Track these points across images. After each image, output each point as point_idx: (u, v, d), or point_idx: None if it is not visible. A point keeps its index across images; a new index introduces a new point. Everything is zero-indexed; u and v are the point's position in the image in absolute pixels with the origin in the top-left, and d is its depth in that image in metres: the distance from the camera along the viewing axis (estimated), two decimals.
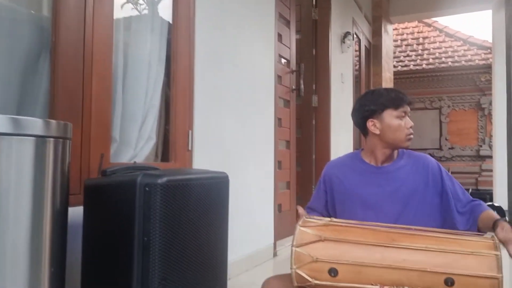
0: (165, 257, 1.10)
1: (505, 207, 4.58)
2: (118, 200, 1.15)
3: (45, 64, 1.48)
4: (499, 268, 1.42)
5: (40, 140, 0.95)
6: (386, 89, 1.95)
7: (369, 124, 1.88)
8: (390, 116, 1.84)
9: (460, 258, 1.48)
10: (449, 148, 8.95)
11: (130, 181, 1.13)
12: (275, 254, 3.05)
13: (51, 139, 0.98)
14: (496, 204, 4.57)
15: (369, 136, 1.93)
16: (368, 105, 1.86)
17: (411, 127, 1.86)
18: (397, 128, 1.85)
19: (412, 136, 1.88)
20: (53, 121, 0.99)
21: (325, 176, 2.06)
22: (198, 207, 1.22)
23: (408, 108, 1.87)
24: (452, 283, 1.45)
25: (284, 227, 3.27)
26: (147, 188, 1.10)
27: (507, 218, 4.38)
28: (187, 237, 1.17)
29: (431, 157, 1.95)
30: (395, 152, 1.94)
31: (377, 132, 1.86)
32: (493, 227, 1.56)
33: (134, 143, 1.81)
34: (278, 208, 3.29)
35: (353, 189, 1.93)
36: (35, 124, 0.94)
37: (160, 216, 1.09)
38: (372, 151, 1.93)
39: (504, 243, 1.50)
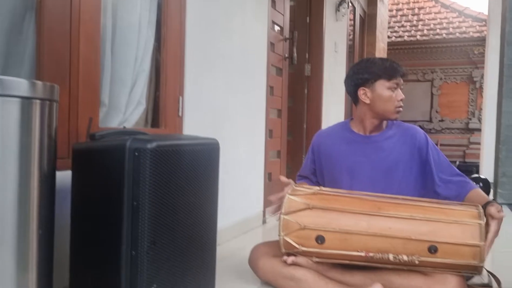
0: (154, 221, 1.10)
1: (490, 179, 4.67)
2: (107, 164, 1.14)
3: (30, 24, 1.43)
4: (482, 237, 1.47)
5: (26, 101, 0.93)
6: (381, 59, 1.93)
7: (360, 92, 1.87)
8: (382, 87, 1.84)
9: (444, 226, 1.52)
10: (439, 121, 9.02)
11: (119, 145, 1.12)
12: (264, 222, 3.09)
13: (37, 100, 0.95)
14: (482, 176, 4.65)
15: (359, 105, 1.93)
16: (362, 73, 1.85)
17: (401, 99, 1.86)
18: (387, 99, 1.84)
19: (401, 108, 1.89)
20: (39, 82, 0.97)
21: (314, 145, 2.08)
22: (188, 173, 1.22)
23: (401, 80, 1.86)
24: (436, 250, 1.49)
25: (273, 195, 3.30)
26: (136, 153, 1.09)
27: (491, 190, 4.48)
28: (177, 202, 1.17)
29: (419, 129, 1.97)
30: (384, 122, 1.95)
31: (367, 101, 1.86)
32: (485, 205, 1.59)
33: (123, 108, 1.79)
34: (268, 176, 3.31)
35: (340, 157, 1.95)
36: (20, 85, 0.92)
37: (150, 181, 1.09)
38: (361, 120, 1.94)
39: (491, 216, 1.53)
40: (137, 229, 1.09)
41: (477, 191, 1.79)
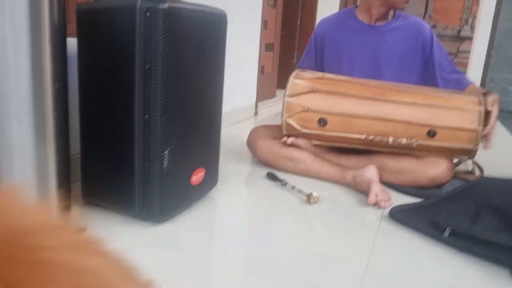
0: (166, 86, 1.08)
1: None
2: (115, 26, 1.08)
3: None
4: (480, 122, 1.52)
5: None
6: None
7: None
8: None
9: (445, 112, 1.56)
10: (431, 27, 8.82)
11: (129, 5, 1.05)
12: (256, 113, 3.12)
13: None
14: None
15: None
16: None
17: None
18: None
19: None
20: None
21: (317, 34, 2.02)
22: (198, 40, 1.17)
23: None
24: (434, 134, 1.55)
25: (265, 89, 3.29)
26: (148, 13, 1.03)
27: None
28: (187, 69, 1.15)
29: (426, 24, 1.92)
30: (391, 12, 1.89)
31: None
32: (483, 94, 1.62)
33: None
34: (261, 69, 3.27)
35: (343, 46, 1.92)
36: None
37: (162, 44, 1.05)
38: (368, 8, 1.87)
39: (491, 103, 1.57)
40: (150, 93, 1.07)
41: (473, 86, 1.82)
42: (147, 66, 1.06)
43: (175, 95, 1.12)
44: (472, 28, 7.66)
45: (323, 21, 2.08)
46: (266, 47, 3.40)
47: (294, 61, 4.15)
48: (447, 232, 1.16)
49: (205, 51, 1.23)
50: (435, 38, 1.89)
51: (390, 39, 1.90)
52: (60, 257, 0.18)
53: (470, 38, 7.06)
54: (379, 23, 1.92)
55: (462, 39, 8.53)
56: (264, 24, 3.17)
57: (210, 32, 1.24)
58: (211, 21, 1.25)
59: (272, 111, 3.26)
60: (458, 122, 1.52)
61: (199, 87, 1.22)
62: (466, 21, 8.58)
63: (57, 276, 0.17)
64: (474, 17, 7.66)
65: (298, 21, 4.20)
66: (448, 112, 1.54)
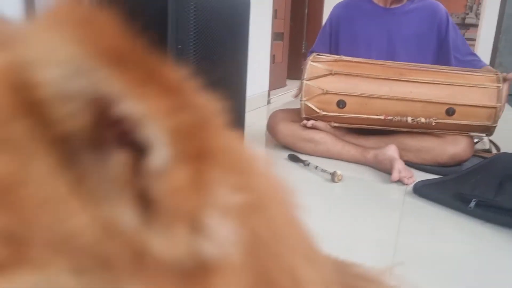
0: (198, 65, 1.11)
1: None
2: (148, 8, 1.11)
3: None
4: (499, 99, 1.54)
5: None
6: None
7: None
8: None
9: (464, 90, 1.58)
10: None
11: None
12: (268, 102, 3.15)
13: None
14: None
15: None
16: None
17: None
18: None
19: None
20: None
21: (332, 18, 2.05)
22: (226, 20, 1.21)
23: None
24: (453, 112, 1.57)
25: (276, 78, 3.32)
26: None
27: None
28: (216, 49, 1.18)
29: (441, 6, 1.95)
30: None
31: None
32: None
33: None
34: (272, 59, 3.29)
35: (359, 30, 1.95)
36: None
37: (194, 24, 1.08)
38: None
39: (504, 79, 1.60)
40: None
41: (488, 67, 1.85)
42: (179, 46, 1.09)
43: (206, 74, 1.15)
44: (477, 15, 7.64)
45: (338, 5, 2.11)
46: (276, 36, 3.42)
47: (303, 51, 4.16)
48: (472, 203, 1.19)
49: (231, 32, 1.26)
50: (450, 20, 1.91)
51: (406, 22, 1.92)
52: (235, 145, 0.22)
53: (475, 26, 7.04)
54: (394, 6, 1.95)
55: (466, 26, 8.50)
56: (275, 13, 3.19)
57: (236, 14, 1.27)
58: (236, 3, 1.28)
59: (284, 99, 3.29)
60: (477, 99, 1.55)
61: (226, 66, 1.26)
62: (471, 8, 8.54)
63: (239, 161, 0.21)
64: (479, 4, 7.63)
65: (306, 11, 4.21)
66: (466, 90, 1.56)
